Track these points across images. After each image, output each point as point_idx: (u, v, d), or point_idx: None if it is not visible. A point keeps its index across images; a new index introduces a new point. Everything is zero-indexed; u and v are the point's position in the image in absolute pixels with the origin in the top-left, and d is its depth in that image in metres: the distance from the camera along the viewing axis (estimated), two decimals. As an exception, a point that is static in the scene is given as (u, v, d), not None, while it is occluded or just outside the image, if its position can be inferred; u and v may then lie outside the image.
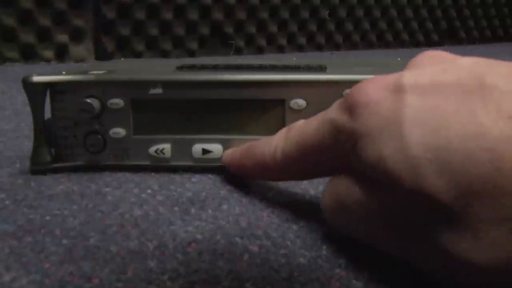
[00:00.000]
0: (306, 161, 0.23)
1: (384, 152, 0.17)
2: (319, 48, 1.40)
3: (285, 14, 1.33)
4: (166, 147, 0.33)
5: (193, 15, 1.20)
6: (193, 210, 0.27)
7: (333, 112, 0.21)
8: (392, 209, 0.18)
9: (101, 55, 1.11)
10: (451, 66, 0.18)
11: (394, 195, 0.18)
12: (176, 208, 0.27)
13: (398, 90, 0.18)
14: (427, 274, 0.18)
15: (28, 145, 0.39)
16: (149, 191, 0.30)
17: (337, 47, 1.42)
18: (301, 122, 0.24)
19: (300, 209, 0.27)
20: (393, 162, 0.17)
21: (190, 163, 0.33)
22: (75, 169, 0.33)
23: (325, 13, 1.38)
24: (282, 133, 0.25)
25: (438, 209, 0.16)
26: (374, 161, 0.18)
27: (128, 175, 0.33)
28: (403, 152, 0.17)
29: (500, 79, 0.16)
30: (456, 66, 0.18)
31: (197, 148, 0.33)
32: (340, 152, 0.21)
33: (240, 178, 0.31)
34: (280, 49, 1.34)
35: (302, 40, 1.37)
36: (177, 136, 0.33)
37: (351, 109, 0.20)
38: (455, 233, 0.16)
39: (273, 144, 0.25)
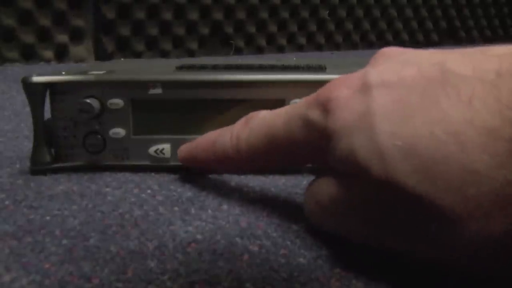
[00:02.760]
0: (276, 153, 0.24)
1: (354, 144, 0.18)
2: (319, 48, 1.39)
3: (285, 14, 1.33)
4: (166, 147, 0.33)
5: (193, 15, 1.20)
6: (193, 210, 0.27)
7: (304, 108, 0.21)
8: (368, 202, 0.19)
9: (101, 55, 1.11)
10: (412, 59, 0.19)
11: (367, 187, 0.18)
12: (176, 208, 0.27)
13: (366, 87, 0.19)
14: (421, 262, 0.19)
15: (28, 145, 0.39)
16: (149, 191, 0.30)
17: (337, 47, 1.42)
18: (264, 113, 0.24)
19: (300, 209, 0.27)
20: (363, 153, 0.18)
21: (190, 163, 0.33)
22: (75, 169, 0.33)
23: (325, 13, 1.38)
24: (241, 124, 0.25)
25: (408, 194, 0.17)
26: (345, 155, 0.18)
27: (128, 175, 0.33)
28: (373, 142, 0.17)
29: (456, 65, 0.17)
30: (416, 58, 0.19)
31: (197, 148, 0.33)
32: (314, 148, 0.21)
33: (244, 176, 0.31)
34: (280, 49, 1.34)
35: (302, 40, 1.37)
36: (177, 136, 0.33)
37: (322, 106, 0.20)
38: (429, 217, 0.16)
39: (234, 135, 0.25)
